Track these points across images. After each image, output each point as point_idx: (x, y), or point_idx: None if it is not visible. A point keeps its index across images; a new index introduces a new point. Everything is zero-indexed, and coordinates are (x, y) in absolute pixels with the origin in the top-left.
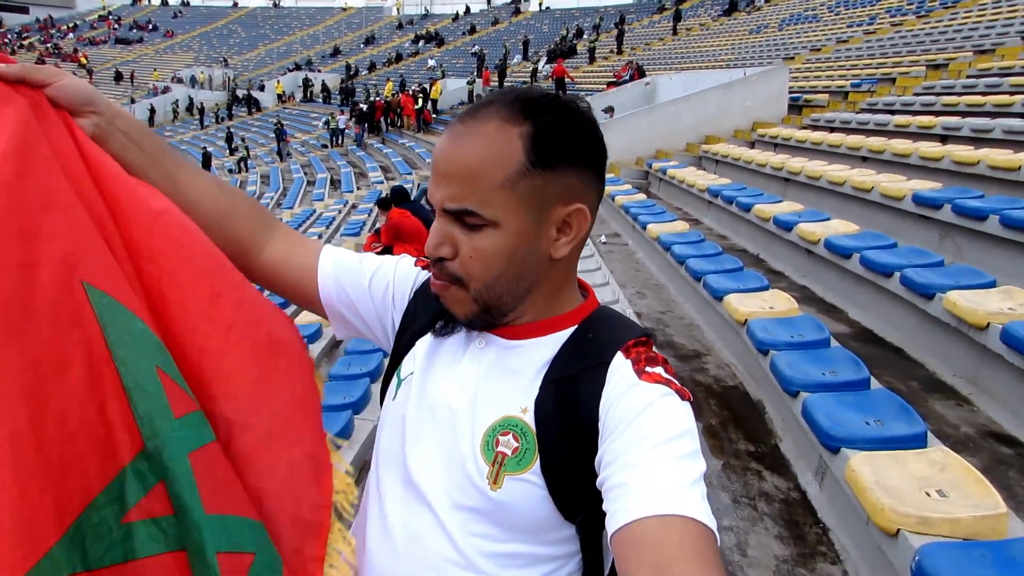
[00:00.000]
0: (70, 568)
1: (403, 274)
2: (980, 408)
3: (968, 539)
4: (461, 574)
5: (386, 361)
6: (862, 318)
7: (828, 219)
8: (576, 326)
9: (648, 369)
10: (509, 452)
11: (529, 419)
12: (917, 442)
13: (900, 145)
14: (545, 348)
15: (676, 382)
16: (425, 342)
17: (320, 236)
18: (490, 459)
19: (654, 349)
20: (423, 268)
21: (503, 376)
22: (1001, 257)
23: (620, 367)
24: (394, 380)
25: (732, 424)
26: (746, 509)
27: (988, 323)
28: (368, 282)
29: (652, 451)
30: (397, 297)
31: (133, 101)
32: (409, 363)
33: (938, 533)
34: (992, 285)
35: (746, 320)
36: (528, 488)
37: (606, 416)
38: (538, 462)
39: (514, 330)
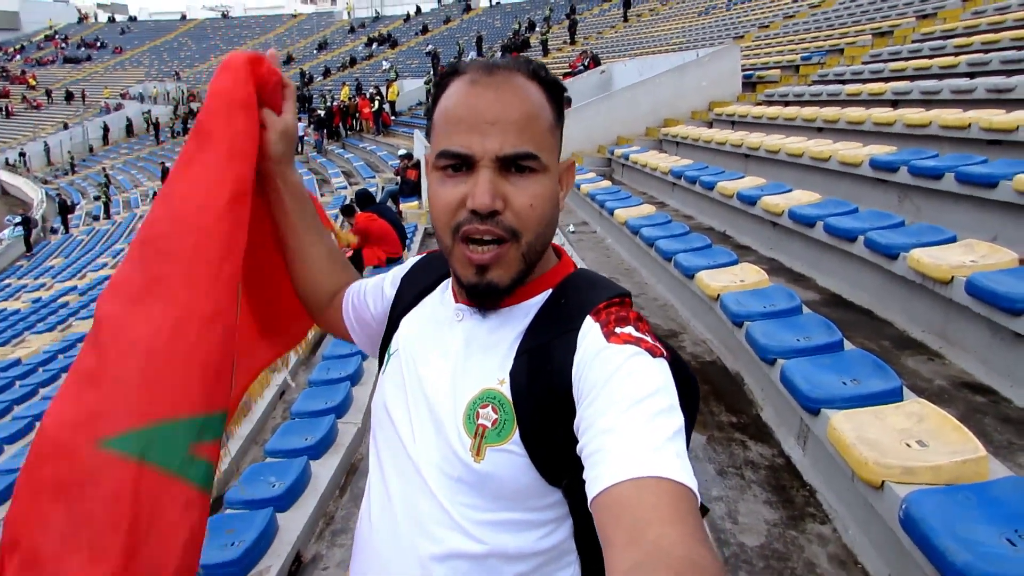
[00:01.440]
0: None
1: (396, 271)
2: (951, 360)
3: (951, 484)
4: (457, 539)
5: (365, 364)
6: (830, 284)
7: (790, 190)
8: (551, 291)
9: (617, 330)
10: (489, 424)
11: (506, 390)
12: (894, 396)
13: (854, 113)
14: (520, 316)
15: (648, 339)
16: (410, 319)
17: None
18: (472, 431)
19: (631, 307)
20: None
21: (481, 349)
22: (959, 213)
23: (589, 331)
24: (385, 358)
25: (713, 397)
26: (733, 479)
27: (952, 277)
28: (368, 299)
29: (624, 414)
30: (389, 291)
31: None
32: (395, 340)
33: (922, 481)
34: (953, 240)
35: (718, 295)
36: (509, 458)
37: (579, 382)
38: (517, 432)
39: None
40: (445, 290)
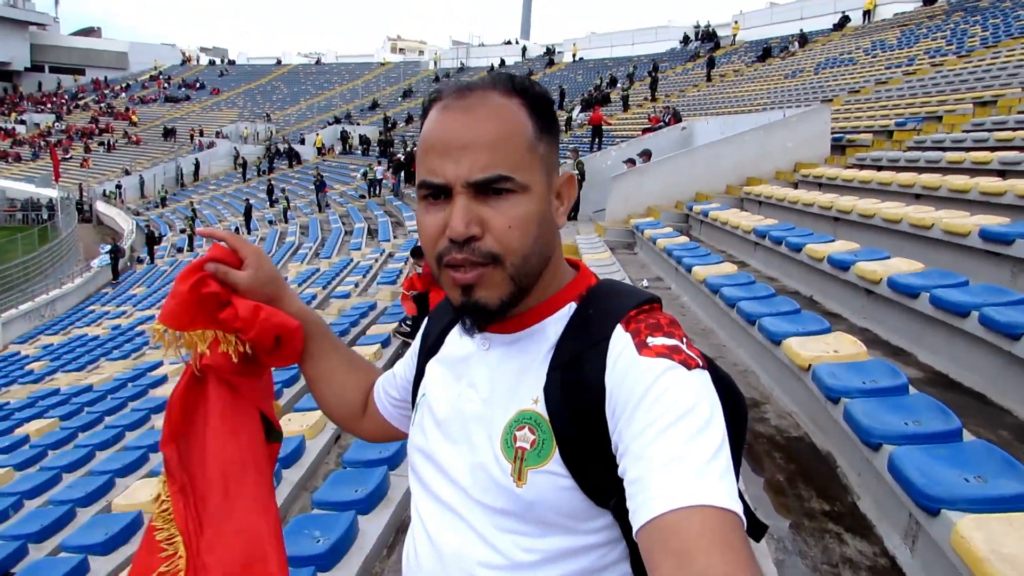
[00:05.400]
0: None
1: (421, 333)
2: None
3: None
4: (506, 574)
5: None
6: (934, 361)
7: (888, 257)
8: (576, 304)
9: (650, 341)
10: (528, 446)
11: (541, 409)
12: None
13: (958, 180)
14: (547, 333)
15: (683, 348)
16: (435, 361)
17: (357, 284)
18: (511, 456)
19: (662, 311)
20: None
21: (512, 372)
22: None
23: (619, 341)
24: (415, 406)
25: (800, 479)
26: None
27: None
28: (398, 376)
29: (660, 438)
30: (414, 350)
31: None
32: (423, 385)
33: None
34: None
35: (810, 365)
36: (552, 479)
37: (612, 396)
38: (557, 451)
39: (515, 321)
40: (467, 323)
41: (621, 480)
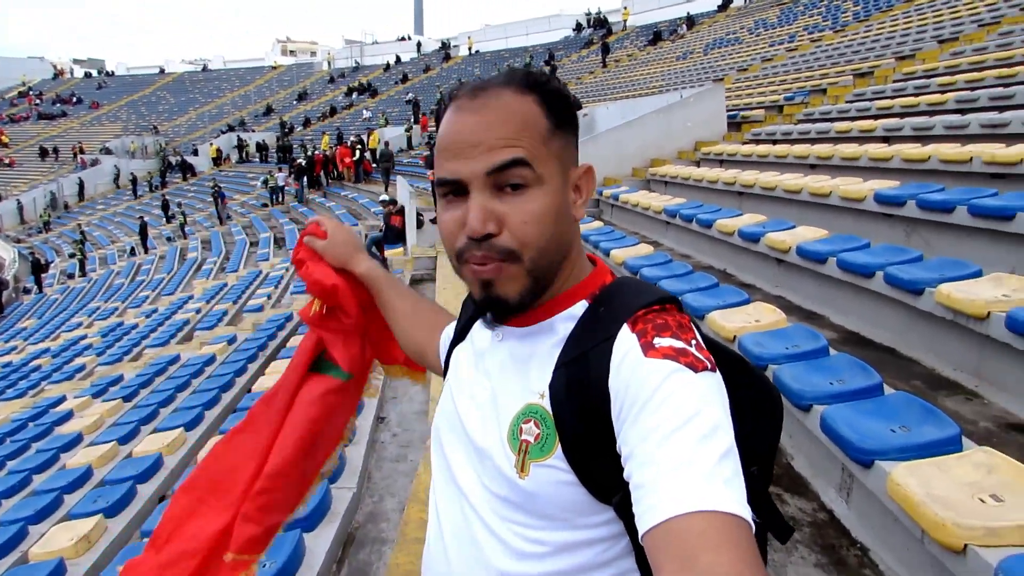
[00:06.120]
0: None
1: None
2: (991, 400)
3: None
4: (509, 561)
5: (358, 422)
6: (846, 322)
7: (794, 227)
8: (588, 301)
9: (656, 342)
10: (532, 439)
11: (546, 404)
12: (953, 445)
13: (848, 149)
14: (557, 329)
15: (690, 350)
16: (459, 349)
17: (269, 296)
18: (516, 448)
19: (679, 311)
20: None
21: (522, 364)
22: (972, 247)
23: (625, 342)
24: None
25: None
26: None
27: (989, 312)
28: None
29: (666, 442)
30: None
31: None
32: (449, 372)
33: (1009, 543)
34: (979, 274)
35: (735, 336)
36: (553, 473)
37: (616, 398)
38: (559, 447)
39: (528, 316)
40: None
41: (623, 478)
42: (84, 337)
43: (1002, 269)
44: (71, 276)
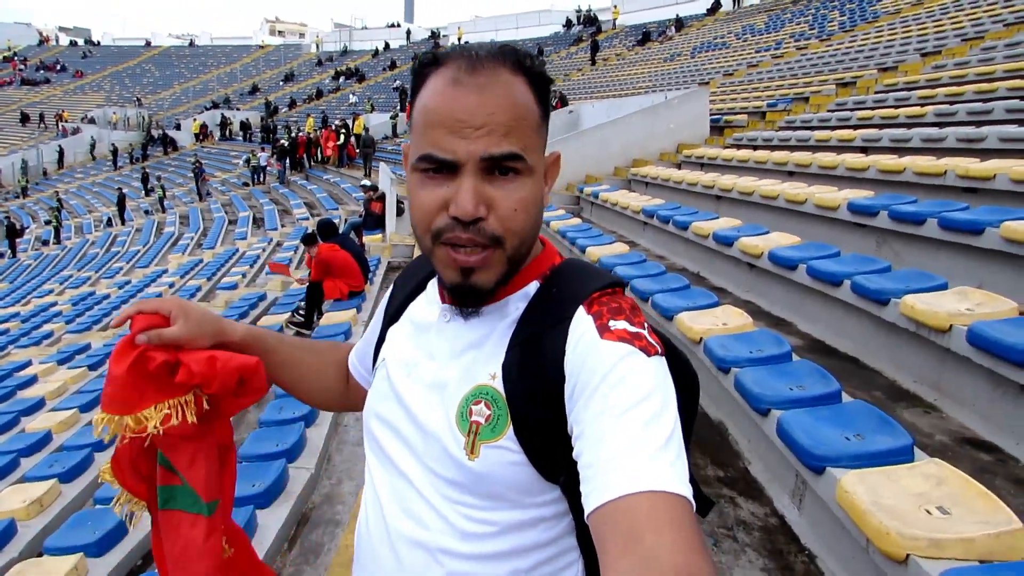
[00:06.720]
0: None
1: (387, 295)
2: (949, 414)
3: (985, 560)
4: (453, 541)
5: None
6: (812, 329)
7: (768, 232)
8: (540, 282)
9: (611, 325)
10: (483, 420)
11: (498, 385)
12: (904, 455)
13: (826, 158)
14: (510, 309)
15: (644, 334)
16: (397, 328)
17: (244, 275)
18: (465, 429)
19: (625, 294)
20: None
21: (471, 345)
22: (941, 260)
23: (581, 323)
24: (374, 370)
25: (696, 448)
26: (726, 541)
27: (951, 325)
28: (370, 346)
29: (616, 422)
30: (380, 315)
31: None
32: (383, 351)
33: (950, 555)
34: (944, 287)
35: (701, 338)
36: (504, 454)
37: (570, 378)
38: (511, 428)
39: None
40: (430, 293)
41: (572, 458)
42: (55, 304)
43: (970, 283)
44: (45, 243)
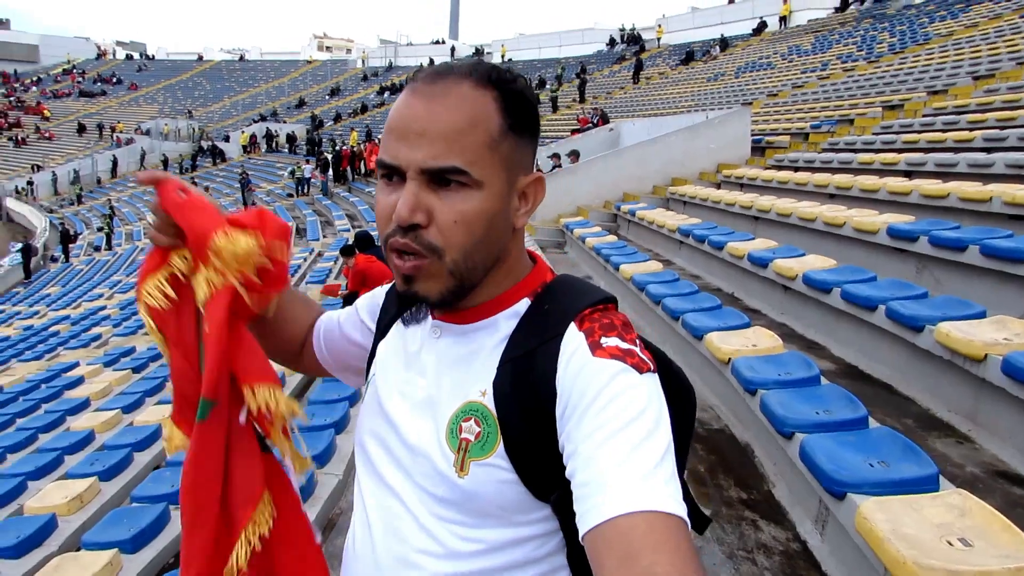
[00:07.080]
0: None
1: (370, 298)
2: (982, 445)
3: None
4: (438, 564)
5: (352, 411)
6: (845, 354)
7: (803, 255)
8: (531, 299)
9: (604, 342)
10: (472, 438)
11: (489, 402)
12: (929, 484)
13: (867, 181)
14: (500, 326)
15: (636, 351)
16: (386, 343)
17: None
18: (455, 447)
19: (617, 310)
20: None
21: (461, 362)
22: (983, 287)
23: (573, 340)
24: (365, 386)
25: (721, 469)
26: (744, 564)
27: (986, 355)
28: (343, 330)
29: (609, 441)
30: (368, 320)
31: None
32: (373, 366)
33: None
34: (982, 315)
35: (730, 359)
36: (494, 472)
37: (562, 396)
38: (501, 445)
39: (468, 313)
40: (420, 309)
41: (563, 476)
42: (103, 308)
43: (1012, 312)
44: (97, 249)
